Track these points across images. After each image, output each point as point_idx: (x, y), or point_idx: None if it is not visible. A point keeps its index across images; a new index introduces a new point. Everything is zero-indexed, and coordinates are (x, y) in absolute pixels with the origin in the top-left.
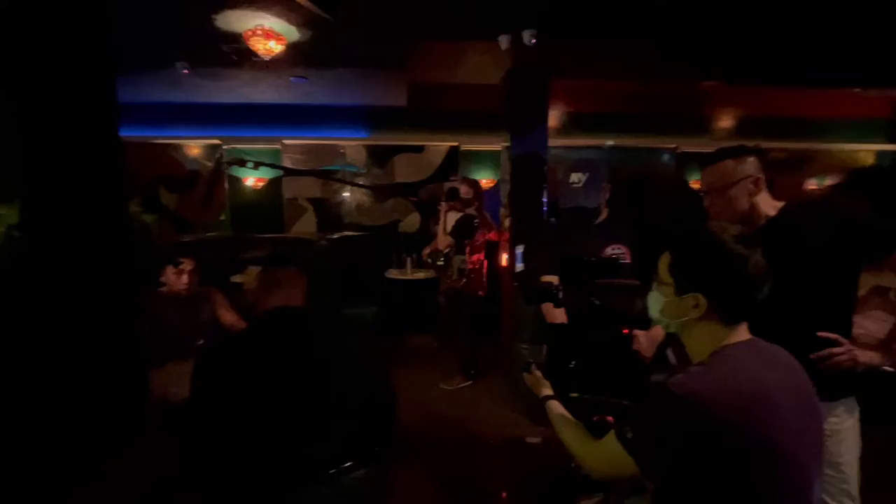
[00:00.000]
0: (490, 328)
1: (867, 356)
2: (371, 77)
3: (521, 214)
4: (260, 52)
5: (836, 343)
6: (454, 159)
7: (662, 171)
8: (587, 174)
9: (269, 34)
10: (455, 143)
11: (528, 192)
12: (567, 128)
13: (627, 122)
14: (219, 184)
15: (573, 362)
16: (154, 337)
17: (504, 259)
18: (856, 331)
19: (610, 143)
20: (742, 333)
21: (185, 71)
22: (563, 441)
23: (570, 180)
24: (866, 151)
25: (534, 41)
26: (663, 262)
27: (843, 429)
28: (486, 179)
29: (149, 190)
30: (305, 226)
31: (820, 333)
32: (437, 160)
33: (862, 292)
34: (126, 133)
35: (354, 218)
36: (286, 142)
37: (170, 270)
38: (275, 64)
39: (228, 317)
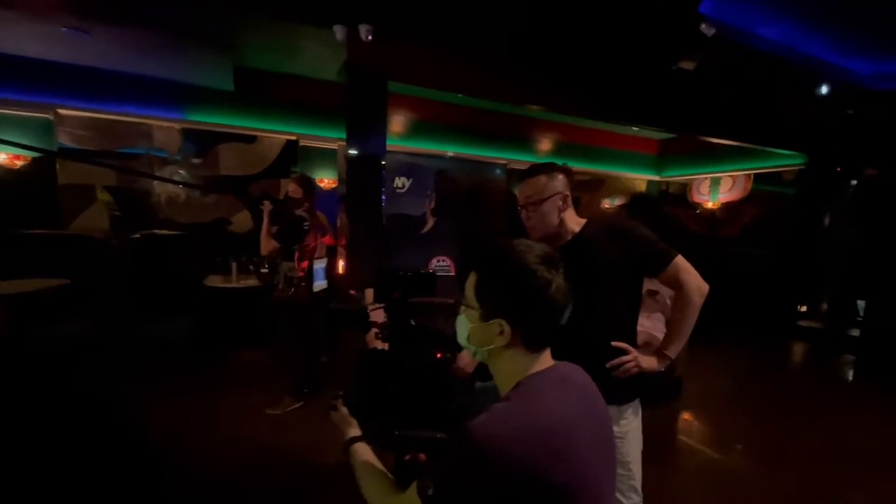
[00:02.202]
0: (326, 341)
1: (647, 362)
2: (184, 49)
3: (357, 218)
4: None
5: (625, 352)
6: (293, 154)
7: (494, 184)
8: (411, 180)
9: None
10: (293, 137)
11: (364, 194)
12: (411, 134)
13: (467, 134)
14: None
15: (385, 393)
16: None
17: (341, 266)
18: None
19: (451, 153)
20: (545, 360)
21: None
22: (364, 496)
23: (394, 185)
24: (640, 179)
25: (370, 38)
26: (469, 284)
27: (631, 429)
28: (328, 179)
29: None
30: (93, 220)
31: (613, 343)
32: (271, 154)
33: None
34: None
35: (166, 213)
36: (62, 112)
37: None
38: (30, 4)
39: None
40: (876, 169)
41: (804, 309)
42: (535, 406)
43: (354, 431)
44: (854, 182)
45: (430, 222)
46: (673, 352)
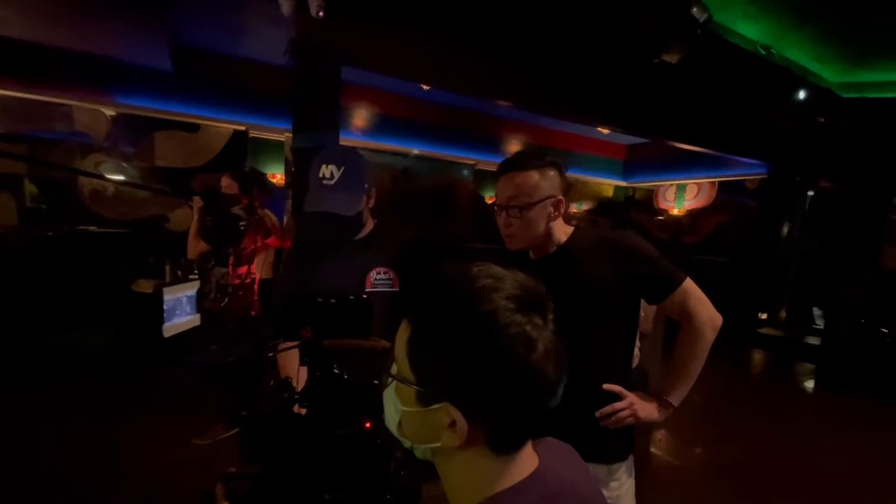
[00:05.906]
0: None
1: (645, 410)
2: (105, 18)
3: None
4: None
5: (619, 396)
6: (241, 146)
7: (461, 184)
8: (343, 168)
9: None
10: (242, 128)
11: None
12: (370, 129)
13: (432, 131)
14: None
15: (287, 481)
16: None
17: None
18: None
19: (416, 151)
20: (524, 463)
21: None
22: None
23: (320, 174)
24: (607, 184)
25: (321, 14)
26: (400, 340)
27: (623, 493)
28: (281, 174)
29: None
30: None
31: (605, 386)
32: (216, 145)
33: None
34: None
35: (91, 208)
36: None
37: None
38: None
39: None
40: (834, 179)
41: (764, 316)
42: None
43: None
44: (811, 193)
45: (370, 224)
46: (677, 398)
